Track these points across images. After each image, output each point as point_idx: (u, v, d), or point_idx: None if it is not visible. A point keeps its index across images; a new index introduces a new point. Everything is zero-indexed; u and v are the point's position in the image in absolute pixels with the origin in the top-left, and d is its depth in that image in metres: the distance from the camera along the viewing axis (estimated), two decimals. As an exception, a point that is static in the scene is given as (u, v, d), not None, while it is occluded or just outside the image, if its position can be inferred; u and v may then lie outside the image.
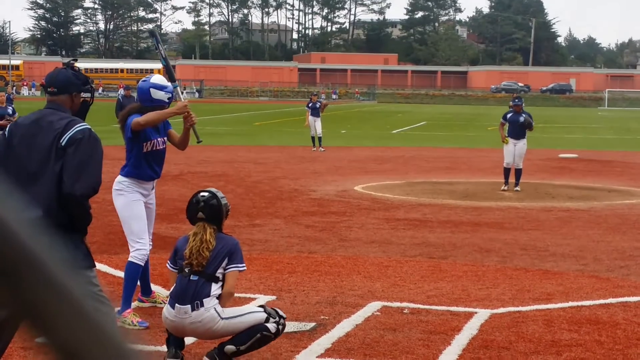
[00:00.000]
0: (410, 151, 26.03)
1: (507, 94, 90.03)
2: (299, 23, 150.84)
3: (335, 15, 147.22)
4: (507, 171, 16.16)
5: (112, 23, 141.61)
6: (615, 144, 31.58)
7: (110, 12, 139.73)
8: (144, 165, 6.86)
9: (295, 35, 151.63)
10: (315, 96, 26.68)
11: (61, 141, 4.71)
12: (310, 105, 25.98)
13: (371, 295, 7.66)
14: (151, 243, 7.07)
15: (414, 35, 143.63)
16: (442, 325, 6.70)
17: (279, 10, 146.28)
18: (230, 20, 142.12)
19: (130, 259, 6.80)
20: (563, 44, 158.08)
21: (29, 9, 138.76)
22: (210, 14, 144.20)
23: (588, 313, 7.18)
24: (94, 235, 8.70)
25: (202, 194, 5.84)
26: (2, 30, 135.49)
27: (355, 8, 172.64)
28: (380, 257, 9.59)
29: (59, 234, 4.44)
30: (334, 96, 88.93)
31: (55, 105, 4.91)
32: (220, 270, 5.62)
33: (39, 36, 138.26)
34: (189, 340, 5.91)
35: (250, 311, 5.65)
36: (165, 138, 7.06)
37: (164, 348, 5.90)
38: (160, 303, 7.22)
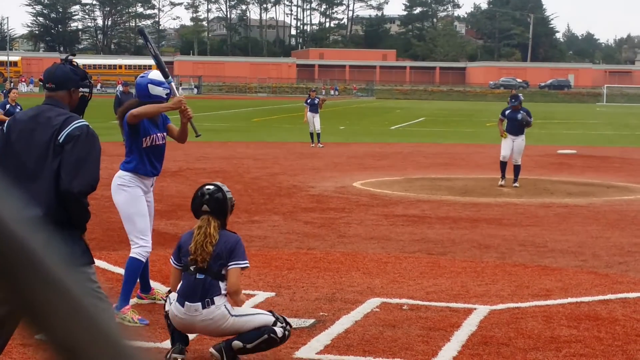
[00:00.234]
0: (409, 147, 26.02)
1: (506, 90, 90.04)
2: (297, 19, 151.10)
3: (333, 11, 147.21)
4: (503, 165, 16.15)
5: (110, 19, 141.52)
6: (614, 140, 31.59)
7: (108, 9, 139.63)
8: (144, 161, 6.86)
9: (293, 31, 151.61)
10: (313, 92, 26.67)
11: (59, 138, 4.70)
12: (308, 101, 25.97)
13: (370, 291, 7.66)
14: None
15: (412, 31, 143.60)
16: (441, 322, 6.69)
17: (277, 6, 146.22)
18: (228, 16, 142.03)
19: (132, 255, 6.78)
20: (561, 39, 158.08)
21: (27, 5, 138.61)
22: (208, 10, 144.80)
23: (587, 309, 7.18)
24: (92, 231, 8.69)
25: (207, 186, 5.83)
26: (0, 26, 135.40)
27: (354, 4, 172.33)
28: (379, 253, 9.59)
29: (57, 231, 4.43)
30: (332, 92, 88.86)
31: (54, 101, 4.89)
32: (224, 268, 5.61)
33: (37, 32, 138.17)
34: (189, 337, 5.90)
35: (260, 312, 5.68)
36: (165, 133, 7.06)
37: (164, 345, 5.90)
38: (160, 300, 7.21)
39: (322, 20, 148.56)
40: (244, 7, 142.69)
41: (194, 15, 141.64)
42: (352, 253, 9.54)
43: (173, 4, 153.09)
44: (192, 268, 5.60)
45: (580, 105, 78.43)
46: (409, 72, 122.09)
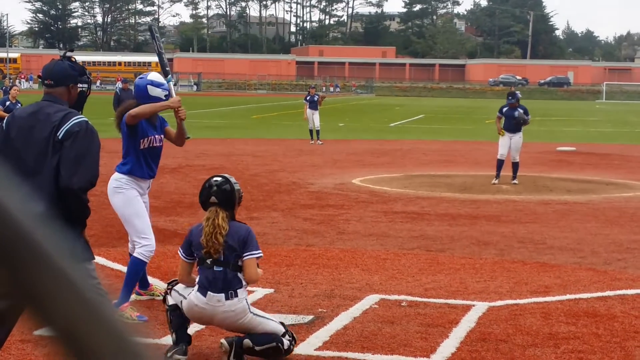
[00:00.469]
0: (408, 144, 26.02)
1: (505, 87, 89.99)
2: (297, 16, 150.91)
3: (333, 8, 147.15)
4: (500, 163, 16.14)
5: (109, 16, 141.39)
6: (613, 137, 31.59)
7: (107, 5, 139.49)
8: (141, 163, 6.87)
9: (293, 28, 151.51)
10: (313, 89, 26.65)
11: (58, 134, 4.70)
12: (308, 98, 25.95)
13: (369, 288, 7.66)
14: None
15: (412, 28, 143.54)
16: (440, 318, 6.70)
17: (277, 3, 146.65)
18: (228, 13, 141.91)
19: (135, 254, 6.79)
20: (561, 37, 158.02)
21: (26, 1, 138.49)
22: (208, 7, 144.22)
23: (586, 306, 7.19)
24: (91, 228, 8.69)
25: (215, 178, 5.84)
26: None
27: (353, 1, 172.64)
28: (378, 250, 9.59)
29: (58, 226, 4.44)
30: (332, 89, 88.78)
31: (53, 98, 4.90)
32: (240, 259, 5.63)
33: (36, 29, 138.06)
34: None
35: (273, 320, 5.72)
36: (162, 136, 7.09)
37: (162, 341, 5.90)
38: (158, 295, 7.22)
39: (322, 17, 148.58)
40: (243, 4, 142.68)
41: (194, 12, 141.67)
42: (351, 250, 9.55)
43: (173, 1, 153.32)
44: (208, 261, 5.60)
45: (579, 103, 78.42)
46: (409, 69, 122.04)
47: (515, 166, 16.17)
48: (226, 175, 5.93)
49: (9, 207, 0.79)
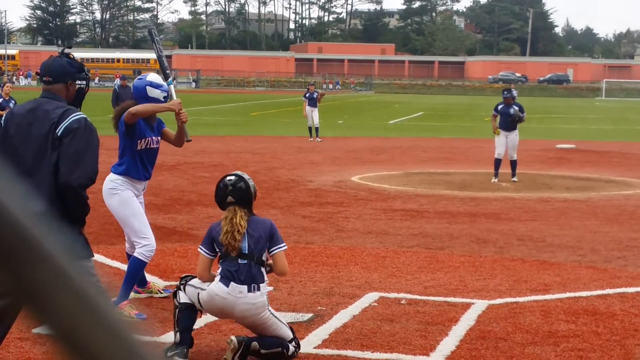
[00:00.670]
0: (407, 142, 26.01)
1: (505, 84, 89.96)
2: (295, 13, 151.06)
3: (332, 5, 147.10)
4: (497, 162, 16.14)
5: (108, 13, 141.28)
6: (613, 135, 31.58)
7: (106, 2, 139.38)
8: (137, 164, 6.84)
9: (292, 25, 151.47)
10: (312, 86, 26.64)
11: (57, 131, 4.68)
12: (307, 95, 25.94)
13: (368, 286, 7.65)
14: None
15: (411, 25, 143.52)
16: (439, 316, 6.69)
17: (275, 0, 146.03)
18: (226, 9, 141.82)
19: (136, 254, 6.77)
20: (560, 34, 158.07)
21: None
22: (206, 4, 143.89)
23: (585, 304, 7.17)
24: (90, 225, 8.67)
25: (228, 177, 5.84)
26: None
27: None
28: (377, 247, 9.58)
29: (57, 224, 4.42)
30: (332, 86, 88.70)
31: (51, 94, 4.88)
32: (265, 254, 5.65)
33: (35, 26, 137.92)
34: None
35: (285, 324, 5.73)
36: (159, 137, 7.06)
37: (162, 339, 5.88)
38: (157, 293, 7.21)
39: (321, 14, 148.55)
40: (242, 0, 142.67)
41: (193, 8, 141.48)
42: (350, 247, 9.53)
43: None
44: (233, 254, 5.61)
45: (579, 100, 78.42)
46: (408, 66, 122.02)
47: (513, 164, 16.16)
48: (239, 172, 5.94)
49: (7, 205, 0.78)
